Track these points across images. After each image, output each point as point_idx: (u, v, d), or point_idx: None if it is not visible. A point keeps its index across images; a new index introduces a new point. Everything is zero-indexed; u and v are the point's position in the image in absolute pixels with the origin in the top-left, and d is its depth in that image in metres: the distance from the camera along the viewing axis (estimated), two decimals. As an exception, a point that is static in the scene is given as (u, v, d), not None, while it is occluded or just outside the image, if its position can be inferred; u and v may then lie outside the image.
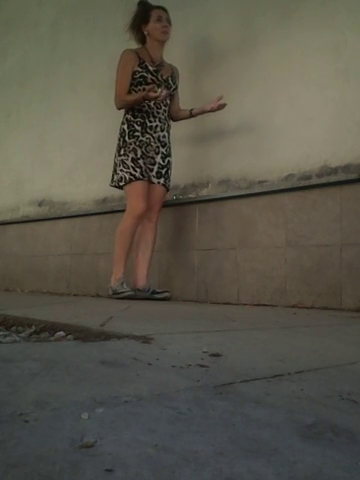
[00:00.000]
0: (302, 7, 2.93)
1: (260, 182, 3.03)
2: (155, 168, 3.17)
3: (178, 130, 3.44)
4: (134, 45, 3.30)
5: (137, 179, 3.08)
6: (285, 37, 2.99)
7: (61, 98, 4.42)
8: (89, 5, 4.28)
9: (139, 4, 3.24)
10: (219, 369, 0.96)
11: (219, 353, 1.10)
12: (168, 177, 3.22)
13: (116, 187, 3.22)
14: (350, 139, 2.67)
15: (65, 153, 4.32)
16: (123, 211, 3.79)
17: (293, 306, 2.76)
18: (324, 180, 2.73)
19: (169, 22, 3.20)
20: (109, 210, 3.83)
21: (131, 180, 3.09)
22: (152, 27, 3.19)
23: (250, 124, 3.12)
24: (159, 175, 3.17)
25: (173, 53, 3.55)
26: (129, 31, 3.25)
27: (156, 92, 3.02)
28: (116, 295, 3.07)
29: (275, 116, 3.00)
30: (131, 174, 3.09)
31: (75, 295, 3.87)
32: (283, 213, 2.90)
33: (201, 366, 0.97)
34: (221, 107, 3.06)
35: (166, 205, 3.45)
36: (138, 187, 3.09)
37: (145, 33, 3.23)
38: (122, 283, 3.10)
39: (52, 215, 4.35)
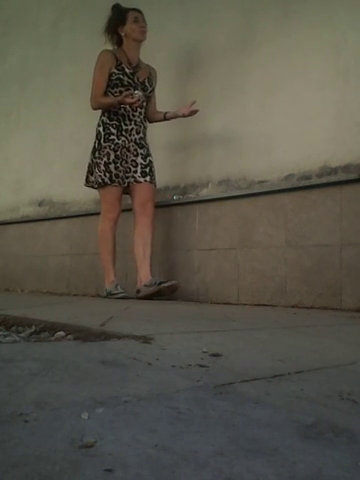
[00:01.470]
0: (302, 7, 2.92)
1: (260, 182, 3.03)
2: (138, 169, 3.20)
3: (178, 130, 3.44)
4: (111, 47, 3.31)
5: (106, 184, 3.16)
6: (285, 37, 2.99)
7: (61, 98, 4.42)
8: (89, 5, 4.28)
9: (113, 8, 3.25)
10: (219, 369, 0.96)
11: (219, 353, 1.10)
12: (153, 174, 3.24)
13: (92, 188, 3.29)
14: (350, 139, 2.67)
15: (65, 153, 4.32)
16: (123, 211, 3.80)
17: (293, 306, 2.76)
18: (324, 180, 2.73)
19: (145, 22, 3.21)
20: (109, 210, 3.83)
21: (101, 185, 3.18)
22: (129, 28, 3.20)
23: (250, 124, 3.12)
24: (144, 174, 3.20)
25: (172, 52, 3.55)
26: (104, 35, 3.28)
27: (133, 97, 3.04)
28: (110, 296, 3.18)
29: (275, 116, 3.00)
30: (102, 179, 3.16)
31: (75, 295, 3.87)
32: (283, 213, 2.89)
33: (201, 366, 0.97)
34: (193, 113, 3.10)
35: (166, 205, 3.45)
36: (109, 193, 3.18)
37: (122, 34, 3.24)
38: (116, 285, 3.19)
39: (52, 215, 4.35)
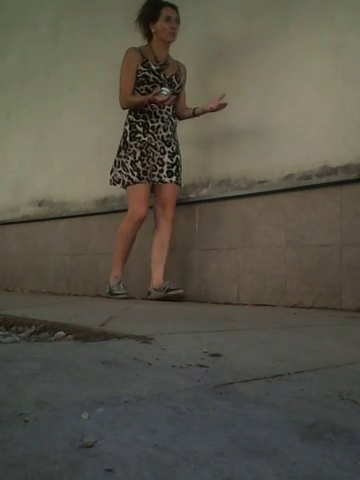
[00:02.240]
0: (302, 8, 2.92)
1: (260, 182, 3.03)
2: (165, 168, 3.14)
3: (179, 130, 3.44)
4: (139, 37, 3.25)
5: (135, 183, 3.09)
6: (285, 37, 2.99)
7: (61, 97, 4.42)
8: (89, 4, 4.28)
9: None
10: (219, 369, 0.96)
11: (219, 353, 1.10)
12: (179, 174, 3.19)
13: (117, 185, 3.22)
14: (350, 139, 2.67)
15: (65, 153, 4.32)
16: (123, 211, 3.78)
17: (293, 306, 2.75)
18: (324, 180, 2.73)
19: (178, 22, 3.12)
20: (109, 210, 3.83)
21: (129, 184, 3.10)
22: (160, 27, 3.11)
23: (250, 124, 3.12)
24: (170, 174, 3.14)
25: (172, 53, 3.55)
26: (136, 23, 3.17)
27: (164, 95, 2.97)
28: (112, 295, 3.13)
29: (275, 116, 3.00)
30: (129, 178, 3.09)
31: (75, 295, 3.87)
32: (283, 213, 2.89)
33: (201, 366, 0.97)
34: (221, 107, 3.02)
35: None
36: (137, 190, 3.09)
37: (152, 30, 3.16)
38: (119, 283, 3.15)
39: (52, 215, 4.35)
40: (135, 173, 3.08)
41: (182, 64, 3.27)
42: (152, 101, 3.02)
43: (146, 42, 3.22)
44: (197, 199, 3.31)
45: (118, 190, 3.86)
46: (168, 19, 3.10)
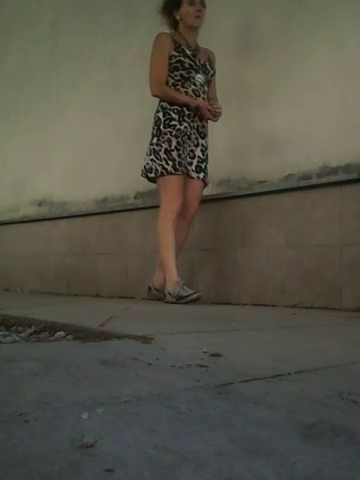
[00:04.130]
0: (303, 8, 2.92)
1: (260, 182, 3.03)
2: (195, 162, 2.98)
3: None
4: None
5: (169, 173, 2.86)
6: (286, 37, 2.98)
7: (61, 98, 4.42)
8: (89, 5, 4.28)
9: None
10: (219, 369, 0.96)
11: (219, 353, 1.10)
12: (207, 171, 3.04)
13: (147, 178, 3.01)
14: (350, 139, 2.67)
15: (65, 153, 4.32)
16: (123, 211, 3.79)
17: (293, 306, 2.75)
18: (324, 180, 2.72)
19: (203, 4, 2.98)
20: (109, 210, 3.83)
21: (163, 174, 2.88)
22: (184, 11, 2.94)
23: (250, 124, 3.12)
24: (199, 169, 2.99)
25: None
26: (160, 15, 3.04)
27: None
28: (182, 299, 2.74)
29: (275, 116, 2.99)
30: (163, 167, 2.87)
31: (75, 295, 3.87)
32: (283, 213, 2.89)
33: (201, 366, 0.97)
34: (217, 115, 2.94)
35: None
36: (172, 182, 2.88)
37: (177, 18, 3.01)
38: (182, 286, 2.81)
39: (52, 215, 4.35)
40: (170, 163, 2.86)
41: (211, 51, 3.13)
42: (199, 107, 2.89)
43: (174, 31, 3.06)
44: (197, 199, 3.30)
45: (118, 190, 3.86)
46: (192, 2, 2.94)
